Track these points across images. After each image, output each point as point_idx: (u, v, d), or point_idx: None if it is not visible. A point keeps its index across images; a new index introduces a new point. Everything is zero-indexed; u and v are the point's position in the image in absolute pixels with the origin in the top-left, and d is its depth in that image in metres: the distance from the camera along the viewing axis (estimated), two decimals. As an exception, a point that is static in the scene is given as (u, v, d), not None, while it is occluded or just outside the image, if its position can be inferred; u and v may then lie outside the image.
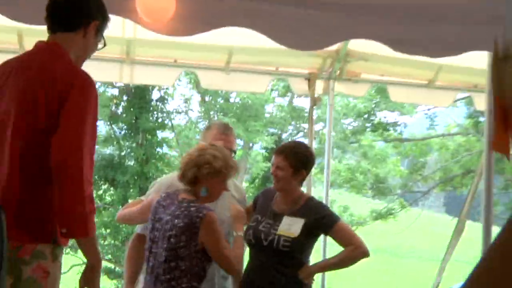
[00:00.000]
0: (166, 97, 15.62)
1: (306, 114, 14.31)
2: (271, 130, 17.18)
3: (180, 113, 16.74)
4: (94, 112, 2.02)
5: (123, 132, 15.59)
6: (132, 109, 15.28)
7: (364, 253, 2.90)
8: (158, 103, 15.51)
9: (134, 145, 15.14)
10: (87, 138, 1.94)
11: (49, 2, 2.13)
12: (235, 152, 3.12)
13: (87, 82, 2.02)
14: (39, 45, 2.13)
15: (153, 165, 14.55)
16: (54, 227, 1.94)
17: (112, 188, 15.27)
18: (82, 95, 1.97)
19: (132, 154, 15.08)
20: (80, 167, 1.90)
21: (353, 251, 2.88)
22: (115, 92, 15.67)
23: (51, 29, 2.13)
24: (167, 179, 3.12)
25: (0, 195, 1.93)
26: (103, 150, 15.75)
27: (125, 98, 15.54)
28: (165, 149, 15.55)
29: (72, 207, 1.90)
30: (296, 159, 3.02)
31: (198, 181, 2.72)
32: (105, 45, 2.22)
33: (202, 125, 16.91)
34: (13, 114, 1.99)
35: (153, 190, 3.05)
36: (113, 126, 15.76)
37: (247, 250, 3.04)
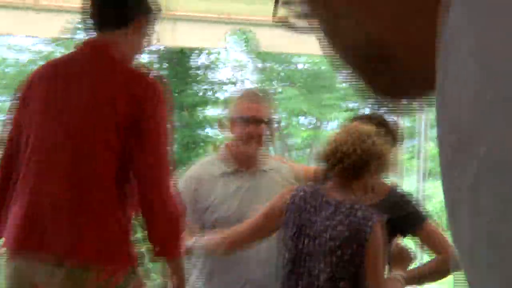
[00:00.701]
0: (215, 64, 15.91)
1: None
2: (350, 105, 16.79)
3: (233, 83, 16.89)
4: (169, 121, 2.31)
5: None
6: (173, 79, 15.04)
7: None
8: (205, 71, 15.77)
9: (176, 125, 15.10)
10: (168, 156, 2.27)
11: (92, 8, 2.38)
12: (267, 123, 3.23)
13: (157, 91, 2.27)
14: (85, 49, 2.36)
15: (200, 151, 14.67)
16: (131, 247, 2.31)
17: None
18: (157, 109, 2.24)
19: (175, 136, 14.90)
20: (170, 202, 2.31)
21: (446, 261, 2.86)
22: (150, 58, 15.62)
23: (97, 27, 2.37)
24: (194, 172, 3.24)
25: (67, 223, 2.21)
26: None
27: (163, 65, 15.64)
28: (213, 130, 15.59)
29: (165, 233, 2.32)
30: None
31: (361, 177, 2.73)
32: (158, 40, 2.51)
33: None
34: (72, 134, 2.22)
35: (183, 187, 3.11)
36: None
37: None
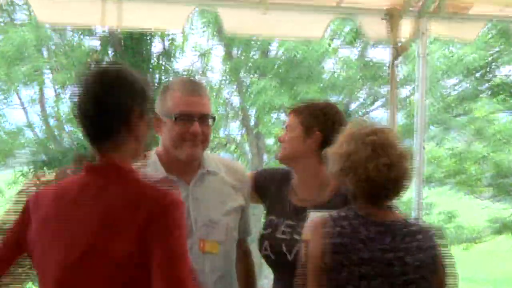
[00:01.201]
0: (172, 50, 15.73)
1: (386, 73, 14.29)
2: (333, 98, 16.49)
3: (193, 75, 16.60)
4: (183, 245, 2.40)
5: None
6: None
7: None
8: (161, 59, 15.64)
9: None
10: (187, 271, 2.39)
11: (78, 119, 2.51)
12: (214, 119, 3.26)
13: (171, 206, 2.40)
14: (91, 169, 2.49)
15: None
16: None
17: None
18: (170, 225, 2.37)
19: None
20: None
21: None
22: (96, 43, 15.69)
23: (94, 147, 2.50)
24: None
25: None
26: (79, 134, 14.74)
27: (110, 52, 15.62)
28: None
29: None
30: (310, 115, 3.22)
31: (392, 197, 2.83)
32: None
33: (228, 92, 17.00)
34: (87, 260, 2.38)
35: None
36: None
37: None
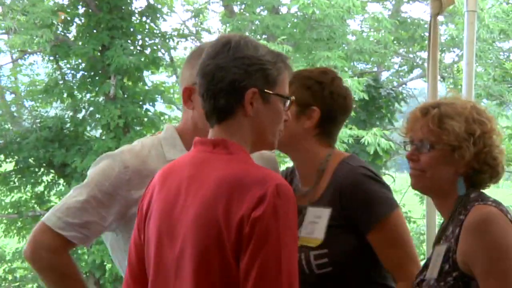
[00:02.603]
0: (157, 6, 16.53)
1: (425, 33, 14.84)
2: (360, 66, 17.53)
3: (185, 37, 17.25)
4: (293, 235, 2.68)
5: (79, 76, 16.46)
6: (95, 30, 15.99)
7: None
8: (144, 18, 16.50)
9: (101, 99, 16.10)
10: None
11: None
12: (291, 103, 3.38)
13: (279, 193, 2.65)
14: (201, 148, 2.84)
15: (139, 137, 14.76)
16: None
17: (61, 180, 16.45)
18: (274, 217, 2.63)
19: (99, 116, 15.88)
20: None
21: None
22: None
23: (209, 123, 2.84)
24: (137, 162, 3.32)
25: None
26: (42, 111, 17.16)
27: (81, 10, 16.29)
28: (160, 106, 16.63)
29: None
30: (302, 86, 3.34)
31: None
32: (291, 102, 2.85)
33: None
34: (189, 257, 2.72)
35: (114, 187, 3.30)
36: (60, 63, 16.66)
37: None
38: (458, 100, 3.16)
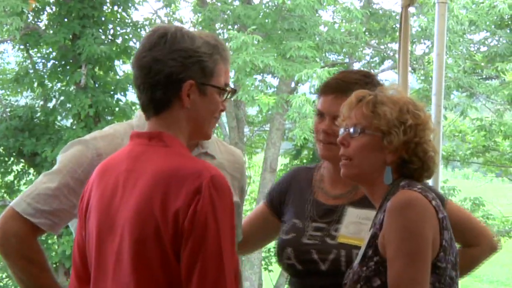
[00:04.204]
0: None
1: (397, 25, 15.12)
2: (331, 57, 17.66)
3: (154, 24, 17.29)
4: (231, 225, 2.73)
5: (50, 65, 16.64)
6: (66, 19, 16.07)
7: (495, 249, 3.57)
8: (115, 7, 16.70)
9: (71, 88, 16.24)
10: (230, 274, 2.72)
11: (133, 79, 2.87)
12: (234, 92, 3.32)
13: (214, 184, 2.70)
14: (138, 141, 2.86)
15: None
16: None
17: (31, 169, 16.67)
18: (211, 210, 2.67)
19: (69, 105, 16.06)
20: None
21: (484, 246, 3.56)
22: None
23: (145, 115, 2.88)
24: (110, 150, 3.22)
25: None
26: (12, 99, 17.40)
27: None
28: (131, 95, 16.65)
29: None
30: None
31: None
32: (234, 92, 2.99)
33: None
34: (127, 251, 2.74)
35: (86, 175, 3.18)
36: (30, 52, 16.90)
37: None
38: (398, 92, 3.17)
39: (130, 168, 2.79)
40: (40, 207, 3.22)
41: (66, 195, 3.20)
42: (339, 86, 3.42)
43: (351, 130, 3.09)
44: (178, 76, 2.76)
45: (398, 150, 3.05)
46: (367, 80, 3.43)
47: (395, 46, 17.10)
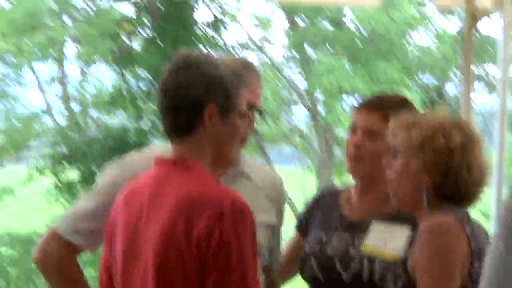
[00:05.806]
0: (222, 18, 16.75)
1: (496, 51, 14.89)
2: (422, 80, 17.47)
3: (248, 48, 17.51)
4: (253, 250, 2.71)
5: (143, 86, 16.76)
6: (160, 41, 16.10)
7: None
8: (207, 30, 16.61)
9: None
10: None
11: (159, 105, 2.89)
12: (261, 113, 3.43)
13: (235, 210, 2.70)
14: (162, 166, 2.87)
15: None
16: None
17: None
18: (234, 235, 2.68)
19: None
20: None
21: None
22: (128, 9, 16.71)
23: (169, 138, 2.87)
24: (130, 170, 3.26)
25: None
26: (108, 118, 17.33)
27: (146, 21, 16.43)
28: None
29: None
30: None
31: None
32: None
33: (291, 69, 18.03)
34: (151, 277, 2.75)
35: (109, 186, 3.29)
36: (125, 73, 16.84)
37: None
38: (435, 116, 3.08)
39: (155, 192, 2.81)
40: (79, 228, 3.28)
41: (103, 216, 3.15)
42: (375, 103, 3.39)
43: (393, 151, 3.08)
44: (201, 100, 2.77)
45: (430, 173, 3.00)
46: (405, 104, 3.39)
47: (486, 68, 17.03)
